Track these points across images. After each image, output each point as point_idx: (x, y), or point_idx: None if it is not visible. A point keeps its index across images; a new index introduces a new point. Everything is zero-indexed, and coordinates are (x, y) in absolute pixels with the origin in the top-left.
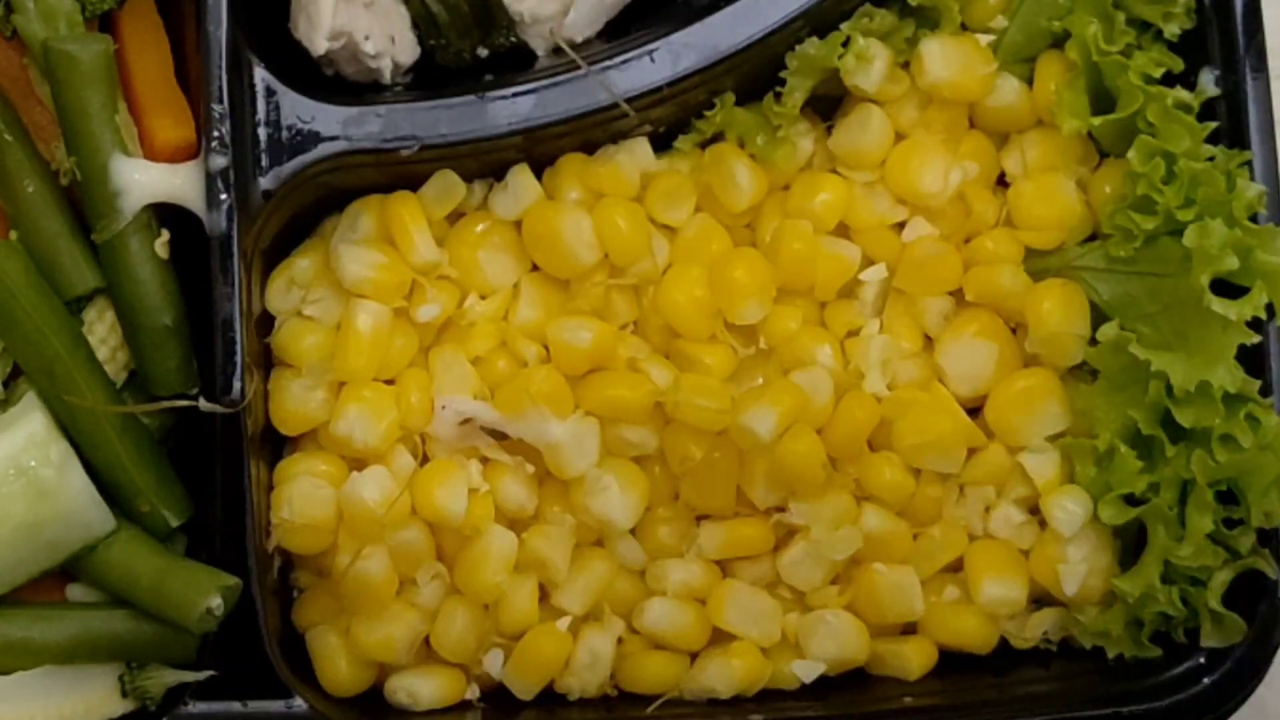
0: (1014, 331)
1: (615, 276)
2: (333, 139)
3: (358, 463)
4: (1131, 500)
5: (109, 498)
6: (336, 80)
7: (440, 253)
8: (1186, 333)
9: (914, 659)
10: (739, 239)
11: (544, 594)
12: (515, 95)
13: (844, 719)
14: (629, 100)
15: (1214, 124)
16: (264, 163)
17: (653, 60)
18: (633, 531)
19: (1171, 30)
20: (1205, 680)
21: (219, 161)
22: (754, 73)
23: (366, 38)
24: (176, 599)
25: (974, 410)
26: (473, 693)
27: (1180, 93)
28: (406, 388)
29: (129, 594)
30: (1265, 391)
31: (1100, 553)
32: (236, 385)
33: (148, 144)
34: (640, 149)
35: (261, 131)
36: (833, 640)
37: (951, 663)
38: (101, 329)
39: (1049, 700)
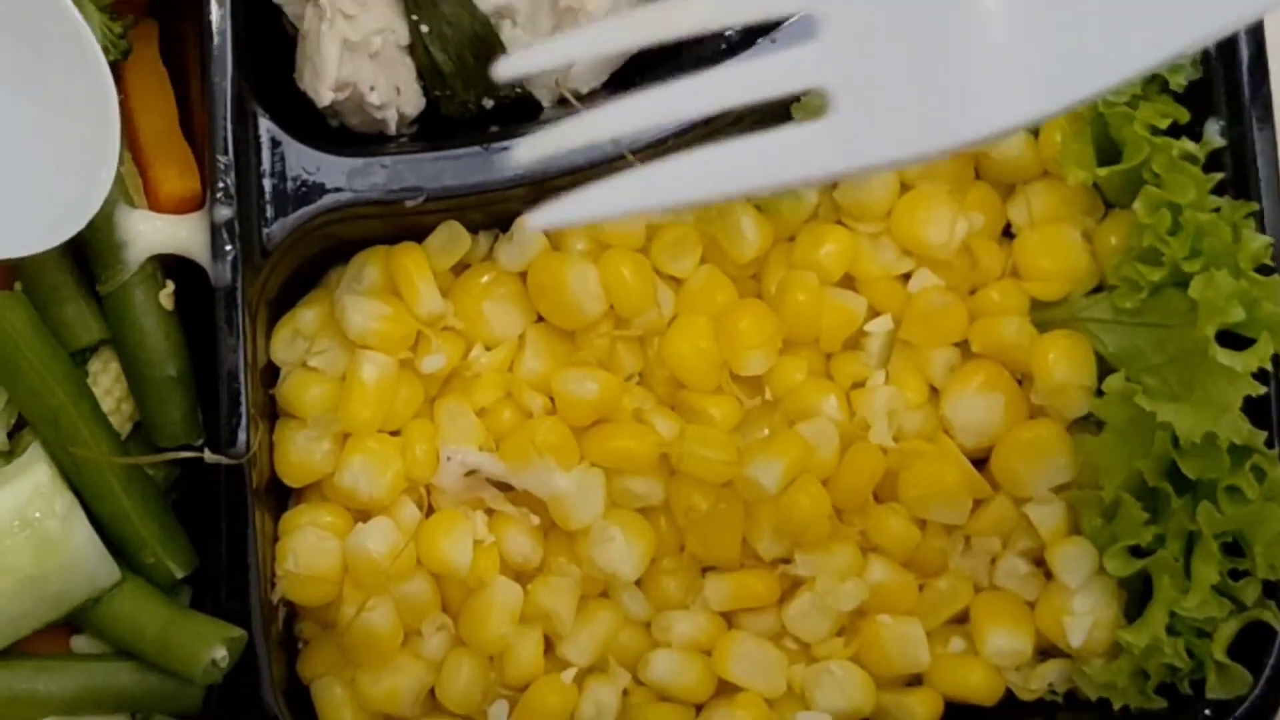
0: (1020, 382)
1: (621, 327)
2: (338, 190)
3: (363, 514)
4: (1137, 552)
5: (114, 549)
6: (342, 131)
7: (445, 304)
8: (1192, 384)
9: (920, 710)
10: (744, 290)
11: (549, 645)
12: (520, 146)
13: None
14: (634, 152)
15: (1220, 175)
16: (269, 214)
17: None
18: (638, 583)
19: (1177, 81)
20: None
21: (224, 213)
22: (760, 124)
23: (372, 89)
24: (181, 650)
25: (980, 461)
26: None
27: (1186, 144)
28: (411, 439)
29: (134, 645)
30: (1271, 443)
31: (1106, 604)
32: (241, 437)
33: (152, 195)
34: None
35: (267, 182)
36: (838, 692)
37: (957, 714)
38: (106, 380)
39: None
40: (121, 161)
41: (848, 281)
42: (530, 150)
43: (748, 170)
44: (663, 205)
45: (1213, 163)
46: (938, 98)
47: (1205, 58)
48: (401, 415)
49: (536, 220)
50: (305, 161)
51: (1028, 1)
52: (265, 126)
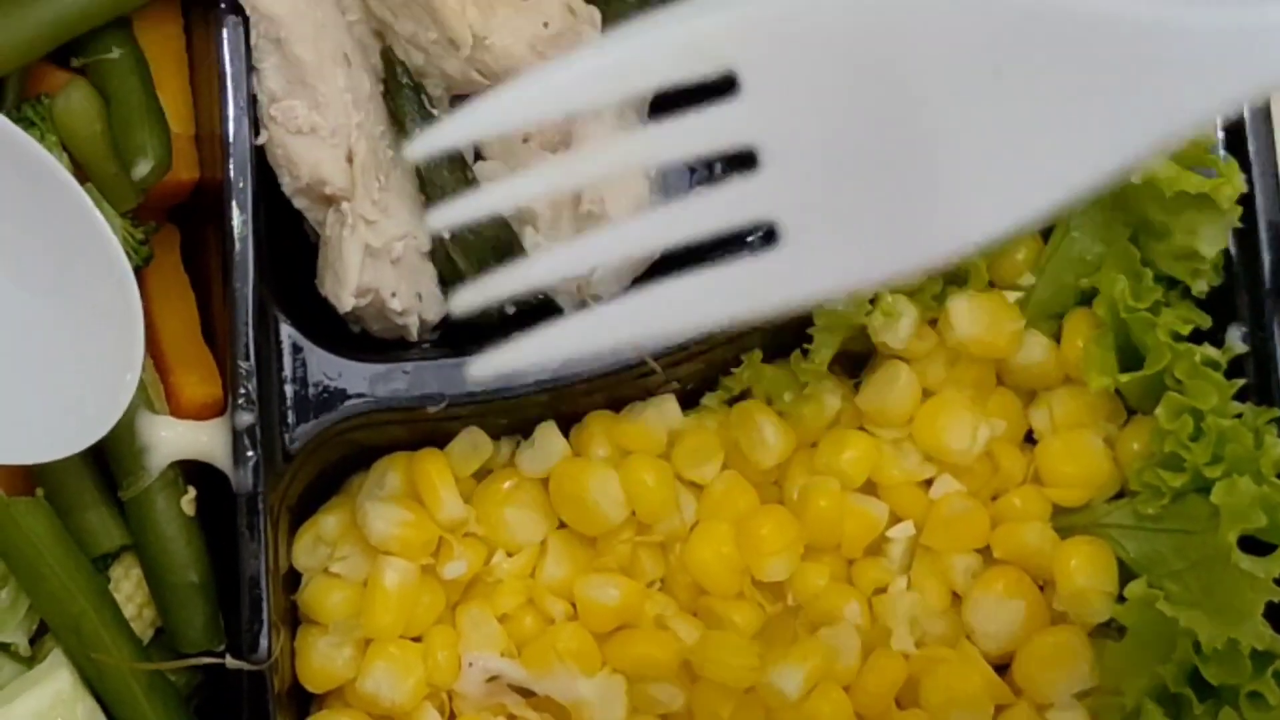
0: (1041, 588)
1: (643, 533)
2: (360, 396)
3: None
4: None
5: None
6: (363, 337)
7: (467, 510)
8: (1214, 590)
9: None
10: (766, 496)
11: None
12: None
13: None
14: (656, 358)
15: (1242, 381)
16: (291, 420)
17: None
18: None
19: (1199, 287)
20: None
21: (245, 418)
22: (781, 329)
23: (393, 294)
24: None
25: (1001, 666)
26: None
27: (1208, 349)
28: (434, 645)
29: None
30: None
31: None
32: (263, 643)
33: (174, 400)
34: (668, 406)
35: (288, 388)
36: None
37: None
38: (128, 586)
39: None
40: (143, 367)
41: (869, 487)
42: (485, 367)
43: (702, 306)
44: (614, 343)
45: (1235, 369)
46: (889, 222)
47: (1227, 263)
48: (423, 621)
49: (482, 369)
50: (327, 367)
51: (972, 118)
52: (287, 332)
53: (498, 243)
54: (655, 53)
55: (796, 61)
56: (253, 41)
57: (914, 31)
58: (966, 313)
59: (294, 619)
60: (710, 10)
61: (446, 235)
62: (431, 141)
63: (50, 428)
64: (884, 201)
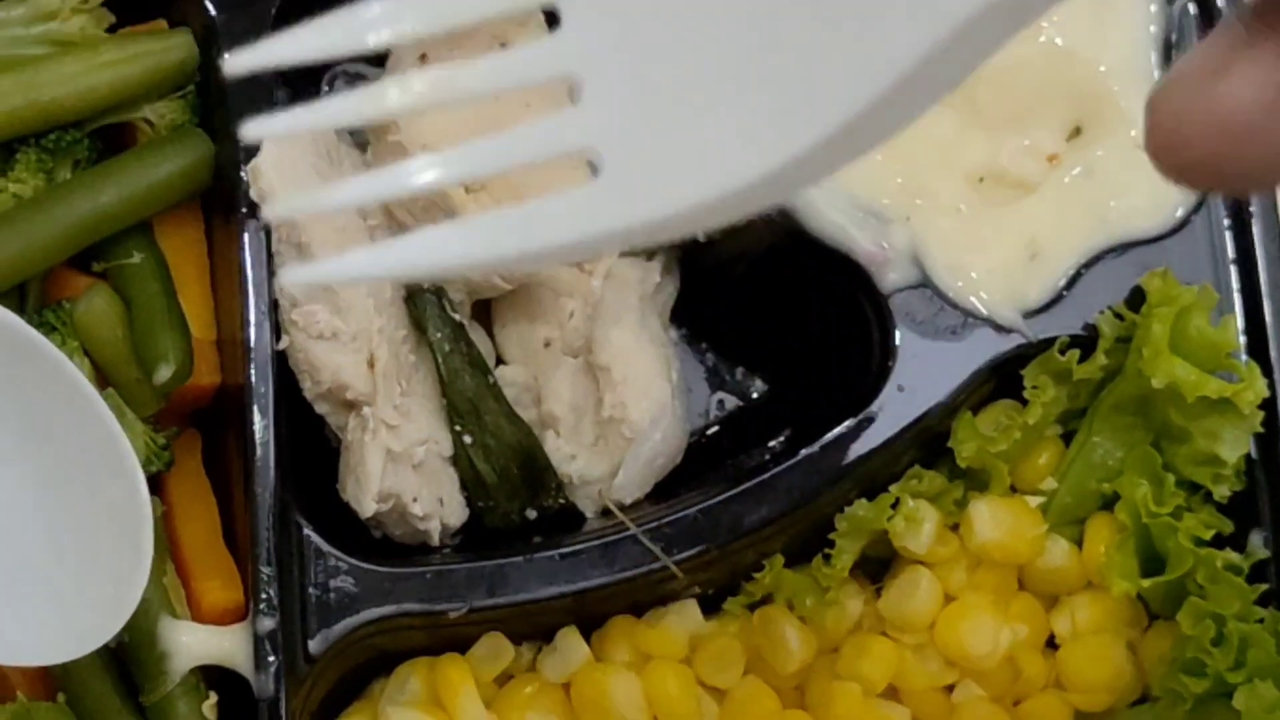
0: None
1: None
2: (381, 601)
3: None
4: None
5: None
6: (385, 542)
7: (489, 716)
8: None
9: None
10: (788, 700)
11: None
12: (564, 557)
13: None
14: (677, 562)
15: (1264, 586)
16: (312, 625)
17: (701, 522)
18: None
19: (1221, 492)
20: None
21: (267, 624)
22: (802, 534)
23: (415, 500)
24: None
25: None
26: None
27: (1230, 555)
28: None
29: None
30: None
31: None
32: None
33: (195, 606)
34: (689, 611)
35: (310, 593)
36: None
37: None
38: None
39: None
40: (164, 572)
41: (891, 692)
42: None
43: (523, 235)
44: (424, 271)
45: (1257, 573)
46: (703, 145)
47: (1249, 468)
48: None
49: (291, 275)
50: (348, 572)
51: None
52: (308, 537)
53: (519, 448)
54: None
55: None
56: (274, 246)
57: None
58: (988, 518)
59: None
60: None
61: (468, 440)
62: (248, 59)
63: (63, 628)
64: (697, 124)
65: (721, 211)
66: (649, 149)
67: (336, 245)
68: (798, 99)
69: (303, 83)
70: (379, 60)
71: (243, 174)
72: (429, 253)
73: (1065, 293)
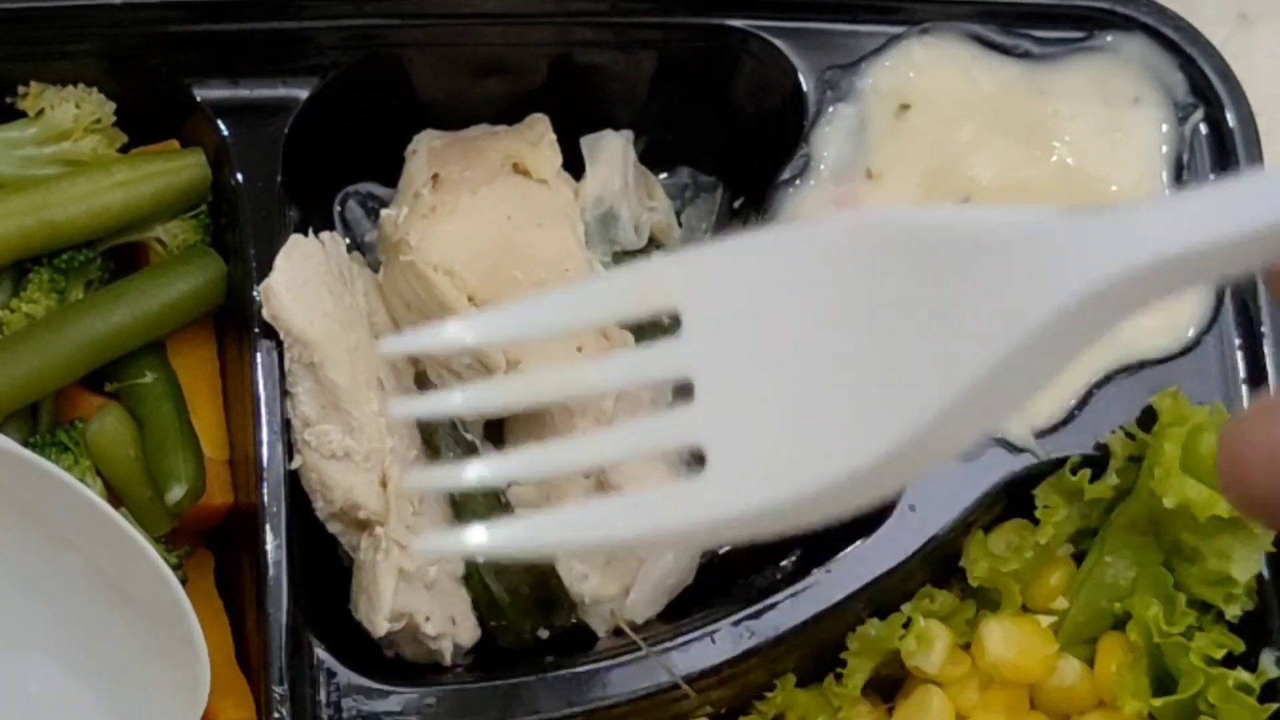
0: None
1: None
2: None
3: None
4: None
5: None
6: (397, 661)
7: None
8: None
9: None
10: None
11: None
12: (576, 677)
13: None
14: (689, 681)
15: (1275, 705)
16: None
17: (713, 641)
18: None
19: (1233, 611)
20: None
21: None
22: (814, 653)
23: (427, 619)
24: None
25: None
26: None
27: (1241, 674)
28: None
29: None
30: None
31: None
32: None
33: None
34: None
35: (323, 713)
36: None
37: None
38: None
39: None
40: None
41: None
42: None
43: (630, 523)
44: (539, 550)
45: (1268, 693)
46: (804, 445)
47: (1260, 587)
48: None
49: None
50: (361, 692)
51: (881, 335)
52: (320, 657)
53: (532, 567)
54: (611, 290)
55: (727, 300)
56: (286, 366)
57: (814, 267)
58: (1000, 637)
59: None
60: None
61: (480, 560)
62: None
63: None
64: (799, 425)
65: (824, 505)
66: (754, 444)
67: (348, 366)
68: (892, 398)
69: (313, 203)
70: (390, 179)
71: (255, 294)
72: (541, 532)
73: (1077, 412)
